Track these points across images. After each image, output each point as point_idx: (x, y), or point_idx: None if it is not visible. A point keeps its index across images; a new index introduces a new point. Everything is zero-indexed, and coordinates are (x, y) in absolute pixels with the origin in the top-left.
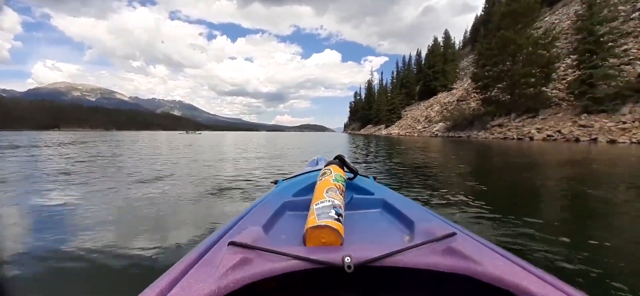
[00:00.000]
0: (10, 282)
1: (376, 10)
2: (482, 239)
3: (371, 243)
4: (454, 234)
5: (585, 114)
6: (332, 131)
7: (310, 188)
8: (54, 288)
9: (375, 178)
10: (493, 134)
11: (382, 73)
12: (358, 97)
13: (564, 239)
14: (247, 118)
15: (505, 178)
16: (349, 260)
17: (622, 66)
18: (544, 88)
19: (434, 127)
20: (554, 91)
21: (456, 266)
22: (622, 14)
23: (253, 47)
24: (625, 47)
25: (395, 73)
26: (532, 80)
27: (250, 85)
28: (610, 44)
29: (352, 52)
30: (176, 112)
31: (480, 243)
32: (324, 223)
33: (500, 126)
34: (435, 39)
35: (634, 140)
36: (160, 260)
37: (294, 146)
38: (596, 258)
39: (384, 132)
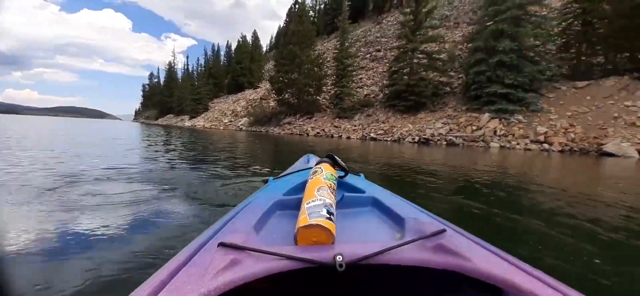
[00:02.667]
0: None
1: None
2: (471, 235)
3: (362, 241)
4: (443, 231)
5: (338, 119)
6: (116, 118)
7: (301, 187)
8: None
9: (365, 176)
10: (284, 130)
11: (187, 57)
12: (155, 80)
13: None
14: None
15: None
16: (341, 259)
17: (357, 89)
18: (317, 97)
19: (240, 121)
20: (323, 100)
21: (446, 263)
22: (361, 53)
23: None
24: (360, 76)
25: (203, 60)
26: (311, 90)
27: None
28: (353, 72)
29: (149, 23)
30: None
31: (470, 239)
32: (315, 222)
33: (289, 123)
34: (244, 36)
35: (358, 137)
36: None
37: None
38: None
39: (187, 123)
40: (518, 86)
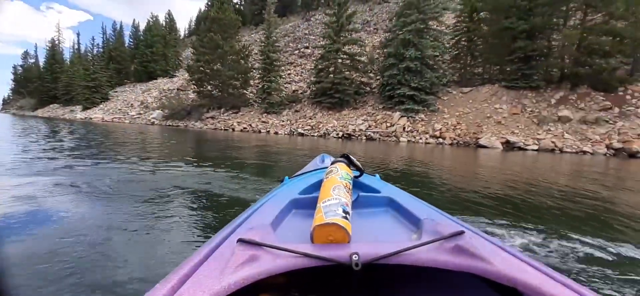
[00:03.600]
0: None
1: None
2: (490, 237)
3: (379, 241)
4: (462, 232)
5: (266, 114)
6: None
7: (317, 186)
8: None
9: (381, 176)
10: (207, 124)
11: (78, 34)
12: (32, 61)
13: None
14: None
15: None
16: (357, 258)
17: (285, 84)
18: (244, 91)
19: (151, 114)
20: (251, 94)
21: (465, 265)
22: (290, 48)
23: None
24: (289, 71)
25: (101, 40)
26: (237, 83)
27: None
28: (281, 67)
29: None
30: None
31: (489, 241)
32: (332, 221)
33: (213, 118)
34: (156, 17)
35: (286, 133)
36: None
37: None
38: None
39: (80, 115)
40: (421, 89)
